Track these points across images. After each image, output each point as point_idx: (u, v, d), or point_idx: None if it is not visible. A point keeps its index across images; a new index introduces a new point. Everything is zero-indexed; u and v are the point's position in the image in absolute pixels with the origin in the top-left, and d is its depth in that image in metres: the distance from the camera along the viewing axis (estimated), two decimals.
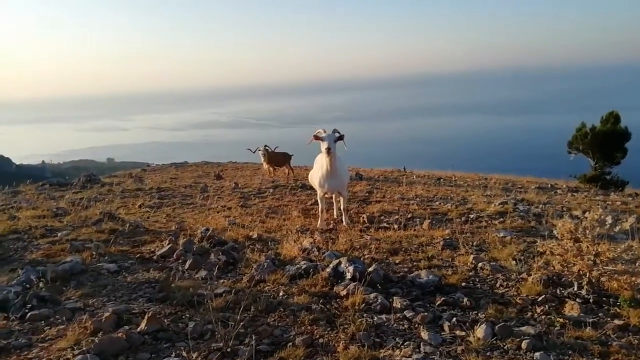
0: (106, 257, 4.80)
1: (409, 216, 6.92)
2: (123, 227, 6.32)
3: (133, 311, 3.31)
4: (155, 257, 4.81)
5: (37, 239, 5.74)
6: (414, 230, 5.90)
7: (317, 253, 4.73)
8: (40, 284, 3.90)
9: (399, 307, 3.33)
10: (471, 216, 6.75)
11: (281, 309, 3.34)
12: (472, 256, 4.50)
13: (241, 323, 2.99)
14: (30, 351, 2.82)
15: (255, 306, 3.34)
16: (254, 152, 14.54)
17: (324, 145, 5.87)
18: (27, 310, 3.34)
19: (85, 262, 4.58)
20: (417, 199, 8.73)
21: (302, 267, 4.10)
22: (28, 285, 3.87)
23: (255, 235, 5.68)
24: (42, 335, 3.01)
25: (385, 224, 6.43)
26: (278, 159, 14.45)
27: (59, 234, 5.92)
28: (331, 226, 6.59)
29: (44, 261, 4.71)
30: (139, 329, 2.94)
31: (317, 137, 6.01)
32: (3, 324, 3.19)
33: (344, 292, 3.58)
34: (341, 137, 6.02)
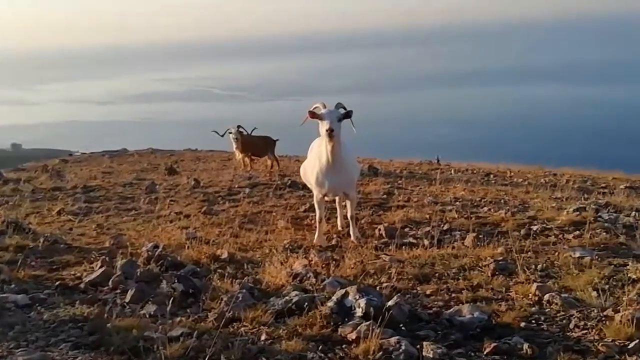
0: (12, 286, 4.80)
1: (445, 228, 6.96)
2: (35, 242, 6.33)
3: None
4: (82, 286, 4.81)
5: None
6: (453, 247, 5.93)
7: (314, 280, 4.75)
8: None
9: (432, 356, 3.36)
10: (534, 228, 6.79)
11: (263, 359, 3.36)
12: (535, 285, 4.53)
13: None
14: None
15: (226, 355, 3.36)
16: (222, 136, 14.60)
17: (323, 126, 5.90)
18: None
19: None
20: (457, 203, 8.78)
21: (293, 300, 4.10)
22: None
23: (225, 255, 5.71)
24: None
25: (411, 239, 6.47)
26: (256, 145, 14.52)
27: None
28: (334, 242, 6.63)
29: None
30: None
31: (313, 115, 6.04)
32: None
33: (352, 336, 3.59)
34: (348, 115, 6.05)
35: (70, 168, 17.02)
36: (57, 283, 4.91)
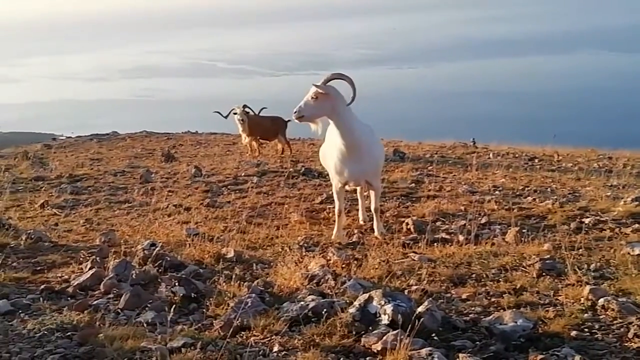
0: None
1: (483, 221, 6.94)
2: (17, 240, 6.42)
3: None
4: (70, 290, 4.86)
5: None
6: (492, 244, 5.91)
7: (332, 283, 4.76)
8: None
9: None
10: (586, 221, 6.74)
11: None
12: (587, 288, 4.50)
13: None
14: None
15: None
16: (226, 118, 14.62)
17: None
18: None
19: None
20: (496, 192, 8.74)
21: (310, 306, 4.12)
22: None
23: (231, 254, 5.74)
24: None
25: (443, 235, 6.46)
26: (265, 127, 14.52)
27: None
28: (355, 238, 6.63)
29: None
30: None
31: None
32: None
33: (378, 347, 3.60)
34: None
35: (54, 154, 17.17)
36: (42, 287, 4.97)
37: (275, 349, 3.67)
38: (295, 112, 6.07)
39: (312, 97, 6.05)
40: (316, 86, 6.02)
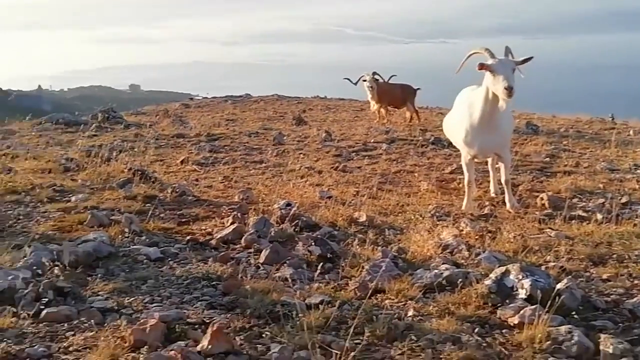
0: (143, 237, 5.20)
1: (624, 201, 6.60)
2: (163, 193, 6.80)
3: (188, 320, 3.58)
4: (213, 242, 5.12)
5: (43, 203, 6.40)
6: (634, 225, 5.62)
7: (466, 254, 4.74)
8: (56, 270, 4.35)
9: (612, 352, 3.23)
10: None
11: (412, 337, 3.40)
12: None
13: (351, 354, 3.10)
14: None
15: (370, 329, 3.44)
16: (356, 84, 14.68)
17: (498, 82, 5.62)
18: (42, 307, 3.76)
19: (114, 242, 5.01)
20: (638, 171, 8.29)
21: (444, 275, 4.12)
22: (39, 271, 4.33)
23: (363, 218, 5.81)
24: (64, 344, 3.37)
25: (580, 212, 6.21)
26: (394, 95, 14.46)
27: (73, 198, 6.55)
28: (486, 210, 6.51)
29: (56, 237, 5.24)
30: (199, 348, 3.18)
31: (483, 66, 5.80)
32: (12, 322, 3.62)
33: (514, 320, 3.55)
34: (525, 62, 5.84)
35: (191, 114, 17.91)
36: (187, 238, 5.26)
37: (410, 313, 3.70)
38: (513, 89, 5.59)
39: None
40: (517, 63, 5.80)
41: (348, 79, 14.96)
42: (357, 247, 4.89)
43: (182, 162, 9.32)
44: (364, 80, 14.15)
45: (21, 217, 5.90)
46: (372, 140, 11.20)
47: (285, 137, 11.79)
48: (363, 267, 4.35)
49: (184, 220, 5.92)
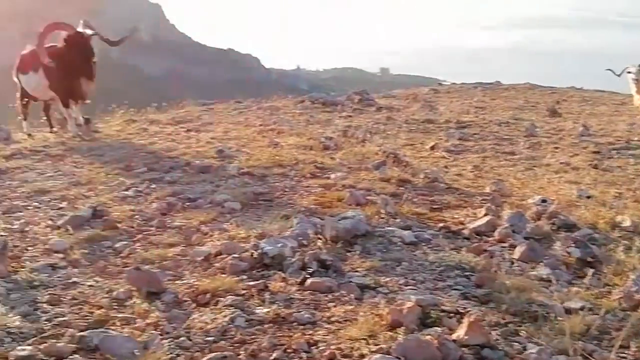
0: (398, 220, 5.37)
1: None
2: (415, 177, 6.93)
3: (443, 307, 3.64)
4: (466, 232, 5.13)
5: (306, 178, 6.90)
6: None
7: None
8: (319, 243, 4.69)
9: None
10: None
11: None
12: None
13: None
14: (315, 331, 3.44)
15: (637, 344, 3.24)
16: (619, 76, 13.70)
17: None
18: (307, 276, 4.07)
19: (370, 221, 5.23)
20: None
21: None
22: (305, 242, 4.70)
23: (627, 223, 5.43)
24: (326, 314, 3.63)
25: None
26: None
27: (332, 176, 6.96)
28: None
29: (318, 211, 5.63)
30: (454, 337, 3.22)
31: None
32: (281, 287, 3.97)
33: None
34: None
35: (440, 99, 17.91)
36: (440, 225, 5.31)
37: None
38: None
39: None
40: None
41: (611, 70, 13.98)
42: (620, 253, 4.58)
43: (432, 147, 9.39)
44: (629, 72, 13.14)
45: (287, 189, 6.43)
46: (636, 138, 10.34)
47: (537, 129, 11.33)
48: (628, 276, 4.08)
49: (435, 206, 5.98)
